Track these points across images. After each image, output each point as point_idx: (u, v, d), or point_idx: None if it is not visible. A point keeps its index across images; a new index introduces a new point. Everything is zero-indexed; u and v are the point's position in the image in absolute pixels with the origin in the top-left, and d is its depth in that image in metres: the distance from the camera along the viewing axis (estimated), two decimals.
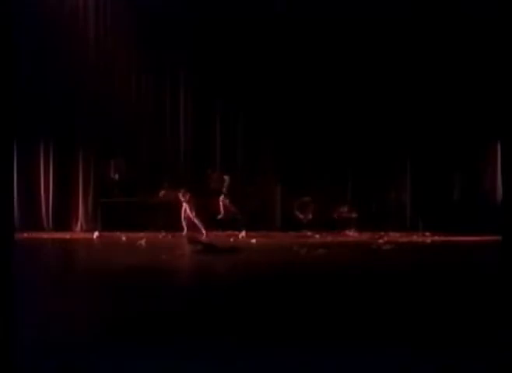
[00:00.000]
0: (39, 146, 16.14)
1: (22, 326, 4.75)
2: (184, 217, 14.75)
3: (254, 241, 13.22)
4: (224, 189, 14.82)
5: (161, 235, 14.39)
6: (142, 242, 12.65)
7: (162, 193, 15.02)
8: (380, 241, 12.95)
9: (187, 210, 14.71)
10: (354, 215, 15.59)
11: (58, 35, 15.79)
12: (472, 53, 15.01)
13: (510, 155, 4.04)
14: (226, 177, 14.92)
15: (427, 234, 14.62)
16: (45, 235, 14.77)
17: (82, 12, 16.27)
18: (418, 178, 15.96)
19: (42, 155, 16.18)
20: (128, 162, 15.65)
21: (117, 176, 15.60)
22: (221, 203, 14.83)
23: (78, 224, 16.13)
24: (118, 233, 14.48)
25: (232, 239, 13.64)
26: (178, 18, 15.97)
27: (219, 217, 14.82)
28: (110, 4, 16.36)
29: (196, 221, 14.61)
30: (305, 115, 15.86)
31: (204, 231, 14.36)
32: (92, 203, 16.21)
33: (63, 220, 16.13)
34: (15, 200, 14.90)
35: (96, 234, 14.68)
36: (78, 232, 15.71)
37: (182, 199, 14.71)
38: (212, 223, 14.78)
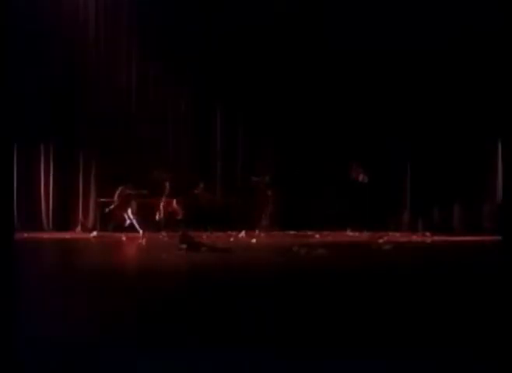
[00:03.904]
0: (39, 146, 16.15)
1: (22, 326, 4.75)
2: (131, 217, 14.88)
3: (254, 241, 13.23)
4: (166, 191, 15.17)
5: (161, 235, 14.41)
6: (143, 241, 12.66)
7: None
8: (380, 241, 12.96)
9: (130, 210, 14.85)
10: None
11: (59, 36, 15.80)
12: (473, 53, 15.02)
13: (510, 155, 4.05)
14: (167, 181, 15.23)
15: (427, 234, 14.64)
16: (45, 235, 14.78)
17: (83, 12, 16.29)
18: (418, 178, 15.98)
19: (42, 155, 16.19)
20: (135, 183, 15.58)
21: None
22: (161, 204, 15.14)
23: (78, 224, 16.15)
24: (118, 233, 14.51)
25: (232, 239, 13.64)
26: (178, 17, 16.01)
27: (157, 218, 15.08)
28: (111, 6, 16.39)
29: (134, 221, 14.75)
30: (306, 116, 15.91)
31: (140, 232, 14.53)
32: (92, 203, 16.24)
33: (63, 220, 16.15)
34: (15, 200, 14.91)
35: (93, 234, 14.73)
36: (78, 232, 15.73)
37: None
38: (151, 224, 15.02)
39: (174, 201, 15.20)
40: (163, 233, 14.54)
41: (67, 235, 14.76)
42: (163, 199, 15.20)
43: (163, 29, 16.05)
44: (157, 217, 15.24)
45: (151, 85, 16.55)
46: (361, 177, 15.71)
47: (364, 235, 14.56)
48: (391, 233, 14.62)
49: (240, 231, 14.60)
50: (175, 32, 16.08)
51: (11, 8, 4.04)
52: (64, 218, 16.19)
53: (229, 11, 15.71)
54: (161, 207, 15.25)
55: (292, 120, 15.97)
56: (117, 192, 14.78)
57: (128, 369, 4.08)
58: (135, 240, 13.29)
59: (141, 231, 14.28)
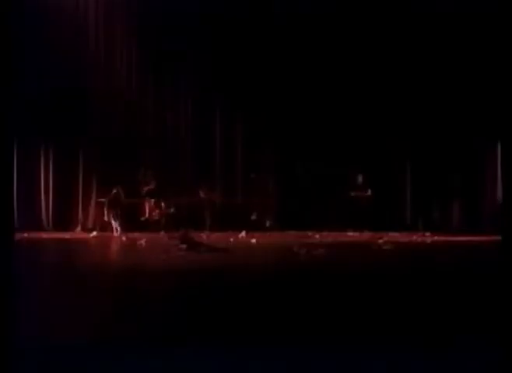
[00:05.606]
0: (39, 146, 16.15)
1: (22, 326, 4.75)
2: (115, 217, 14.97)
3: (254, 241, 13.22)
4: (149, 190, 15.37)
5: (161, 235, 14.41)
6: (142, 241, 12.66)
7: None
8: (380, 241, 12.95)
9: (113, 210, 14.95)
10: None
11: (61, 36, 15.80)
12: (472, 52, 15.01)
13: (510, 155, 4.05)
14: (153, 180, 15.40)
15: (427, 234, 14.63)
16: (45, 235, 14.78)
17: (84, 12, 16.29)
18: (418, 178, 15.98)
19: (42, 155, 16.19)
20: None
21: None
22: (146, 204, 15.27)
23: (78, 224, 16.14)
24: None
25: (232, 239, 13.63)
26: (178, 16, 16.02)
27: (143, 218, 15.17)
28: (111, 6, 16.40)
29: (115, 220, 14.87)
30: (306, 117, 15.91)
31: (119, 231, 14.66)
32: (92, 203, 16.24)
33: (63, 220, 16.15)
34: (15, 200, 14.91)
35: (93, 234, 14.76)
36: (78, 232, 15.73)
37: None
38: (137, 224, 15.21)
39: (152, 201, 15.37)
40: (163, 233, 14.55)
41: (67, 235, 14.76)
42: (148, 199, 15.39)
43: (162, 27, 16.04)
44: (144, 217, 15.41)
45: (150, 85, 16.56)
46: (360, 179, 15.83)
47: (364, 235, 14.55)
48: (391, 233, 14.62)
49: (240, 231, 14.59)
50: (174, 30, 16.06)
51: (16, 8, 4.03)
52: (64, 218, 16.19)
53: (226, 5, 15.70)
54: (147, 207, 15.44)
55: (292, 120, 15.97)
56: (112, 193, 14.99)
57: (127, 369, 4.08)
58: (135, 240, 13.28)
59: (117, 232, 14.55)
